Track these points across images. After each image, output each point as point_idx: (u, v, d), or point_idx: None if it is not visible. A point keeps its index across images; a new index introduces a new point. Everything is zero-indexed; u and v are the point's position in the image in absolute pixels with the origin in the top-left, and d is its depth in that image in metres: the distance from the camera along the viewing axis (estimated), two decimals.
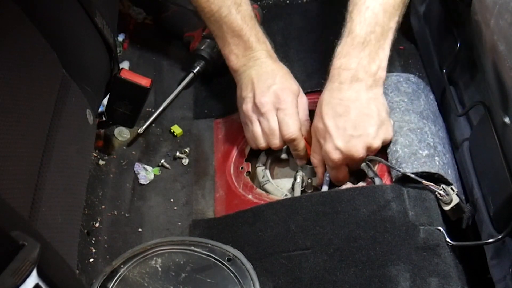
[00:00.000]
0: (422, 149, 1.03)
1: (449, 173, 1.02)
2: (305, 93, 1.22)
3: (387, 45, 1.06)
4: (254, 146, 1.15)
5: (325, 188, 1.08)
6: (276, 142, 1.11)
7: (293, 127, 1.09)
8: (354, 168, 1.06)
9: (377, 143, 1.03)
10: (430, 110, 1.12)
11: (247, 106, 1.12)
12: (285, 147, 1.13)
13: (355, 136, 1.02)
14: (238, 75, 1.15)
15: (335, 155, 1.03)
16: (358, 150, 1.02)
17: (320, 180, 1.09)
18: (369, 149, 1.03)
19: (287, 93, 1.10)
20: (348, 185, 1.08)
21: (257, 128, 1.12)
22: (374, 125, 1.02)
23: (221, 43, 1.16)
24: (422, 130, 1.06)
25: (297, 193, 1.09)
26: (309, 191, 1.10)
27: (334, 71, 1.06)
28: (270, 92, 1.10)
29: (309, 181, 1.10)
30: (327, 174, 1.08)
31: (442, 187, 0.98)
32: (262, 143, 1.12)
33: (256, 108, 1.11)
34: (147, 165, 1.20)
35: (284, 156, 1.15)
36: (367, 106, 1.03)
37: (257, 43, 1.14)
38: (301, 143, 1.11)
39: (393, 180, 1.02)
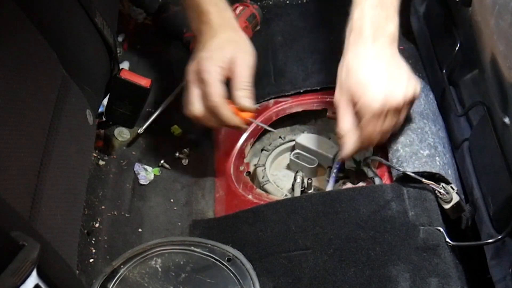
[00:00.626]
0: (423, 149, 1.03)
1: (449, 173, 1.02)
2: (305, 93, 1.22)
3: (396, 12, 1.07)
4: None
5: (330, 187, 1.08)
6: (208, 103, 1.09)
7: (212, 95, 1.07)
8: (389, 128, 1.04)
9: (410, 92, 1.02)
10: (430, 110, 1.12)
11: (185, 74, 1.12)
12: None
13: (392, 84, 1.01)
14: (195, 43, 1.14)
15: (376, 104, 1.00)
16: (397, 97, 1.00)
17: (349, 150, 1.04)
18: (405, 98, 1.01)
19: (209, 60, 1.08)
20: (348, 185, 1.08)
21: (191, 96, 1.10)
22: (405, 74, 1.03)
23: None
24: (422, 130, 1.06)
25: (297, 193, 1.09)
26: (309, 191, 1.10)
27: (355, 26, 1.06)
28: (196, 62, 1.09)
29: (309, 181, 1.10)
30: (334, 172, 1.08)
31: (442, 185, 0.98)
32: (192, 111, 1.10)
33: (186, 75, 1.11)
34: (147, 165, 1.20)
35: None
36: (393, 59, 1.04)
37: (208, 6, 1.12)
38: (224, 110, 1.08)
39: (394, 179, 1.02)
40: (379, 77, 1.02)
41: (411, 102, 1.04)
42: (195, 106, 1.09)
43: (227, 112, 1.08)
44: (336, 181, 1.10)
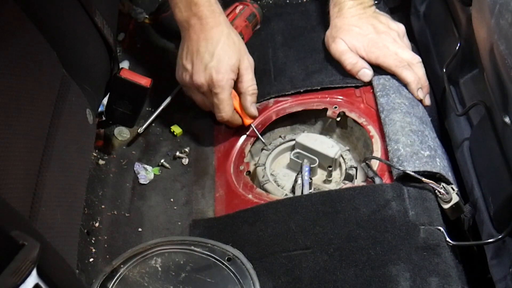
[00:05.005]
0: (424, 149, 1.03)
1: (449, 175, 1.02)
2: (305, 92, 1.22)
3: None
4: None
5: (306, 187, 1.08)
6: (216, 115, 1.16)
7: (224, 112, 1.14)
8: None
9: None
10: (428, 117, 1.14)
11: (185, 78, 1.17)
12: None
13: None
14: (182, 31, 1.17)
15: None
16: None
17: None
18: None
19: (222, 74, 1.12)
20: (348, 184, 1.08)
21: (198, 98, 1.19)
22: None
23: None
24: (423, 133, 1.07)
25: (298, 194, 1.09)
26: (309, 190, 1.10)
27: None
28: (206, 73, 1.13)
29: (310, 181, 1.10)
30: (306, 170, 1.09)
31: (442, 185, 0.99)
32: (206, 109, 1.21)
33: (194, 85, 1.15)
34: (147, 164, 1.20)
35: None
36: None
37: None
38: (235, 121, 1.16)
39: (394, 178, 1.02)
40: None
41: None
42: (206, 108, 1.19)
43: (237, 121, 1.18)
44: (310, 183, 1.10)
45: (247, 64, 1.16)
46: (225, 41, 1.14)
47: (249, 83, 1.16)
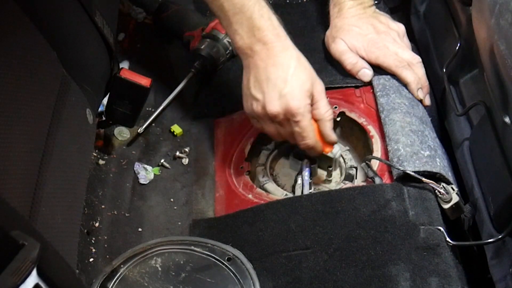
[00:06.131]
0: (424, 149, 1.03)
1: (449, 175, 1.02)
2: None
3: None
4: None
5: (306, 187, 1.08)
6: (300, 143, 1.07)
7: (309, 138, 1.05)
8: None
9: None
10: (428, 117, 1.14)
11: (257, 109, 1.06)
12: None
13: None
14: (245, 59, 1.06)
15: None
16: None
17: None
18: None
19: (299, 100, 1.03)
20: (348, 184, 1.08)
21: (270, 128, 1.08)
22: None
23: (225, 23, 1.06)
24: (423, 133, 1.07)
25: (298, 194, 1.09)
26: (310, 190, 1.10)
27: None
28: (281, 101, 1.03)
29: (310, 181, 1.10)
30: (306, 170, 1.09)
31: (442, 185, 0.99)
32: (280, 139, 1.11)
33: (268, 116, 1.05)
34: (147, 164, 1.20)
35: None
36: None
37: (261, 20, 1.04)
38: (318, 147, 1.08)
39: (394, 178, 1.02)
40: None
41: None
42: (278, 138, 1.10)
43: (320, 147, 1.08)
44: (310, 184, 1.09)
45: (320, 88, 1.07)
46: (296, 65, 1.05)
47: (326, 108, 1.06)
